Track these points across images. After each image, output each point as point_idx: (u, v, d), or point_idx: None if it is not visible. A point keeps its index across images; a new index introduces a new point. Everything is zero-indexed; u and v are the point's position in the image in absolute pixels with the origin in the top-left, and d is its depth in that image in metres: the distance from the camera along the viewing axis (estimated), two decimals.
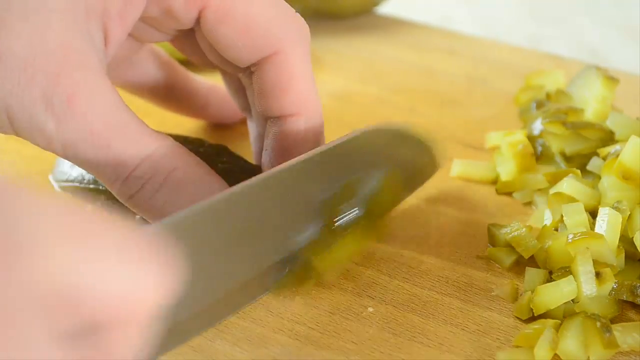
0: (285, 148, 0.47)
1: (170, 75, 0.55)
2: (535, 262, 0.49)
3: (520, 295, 0.47)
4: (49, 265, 0.24)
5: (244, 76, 0.50)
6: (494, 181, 0.57)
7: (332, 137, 0.48)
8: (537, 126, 0.57)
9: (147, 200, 0.43)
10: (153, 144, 0.43)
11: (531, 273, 0.48)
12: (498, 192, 0.56)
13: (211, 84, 0.58)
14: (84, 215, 0.26)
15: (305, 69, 0.47)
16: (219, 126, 0.61)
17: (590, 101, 0.58)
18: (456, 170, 0.57)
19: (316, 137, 0.48)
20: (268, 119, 0.48)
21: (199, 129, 0.61)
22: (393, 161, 0.52)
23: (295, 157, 0.45)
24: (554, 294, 0.45)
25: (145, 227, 0.27)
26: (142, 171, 0.43)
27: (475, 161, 0.58)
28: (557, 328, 0.44)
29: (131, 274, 0.26)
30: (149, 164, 0.43)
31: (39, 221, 0.25)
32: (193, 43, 0.49)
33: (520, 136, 0.55)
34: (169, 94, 0.56)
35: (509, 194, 0.56)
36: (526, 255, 0.49)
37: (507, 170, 0.56)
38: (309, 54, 0.47)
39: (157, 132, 0.44)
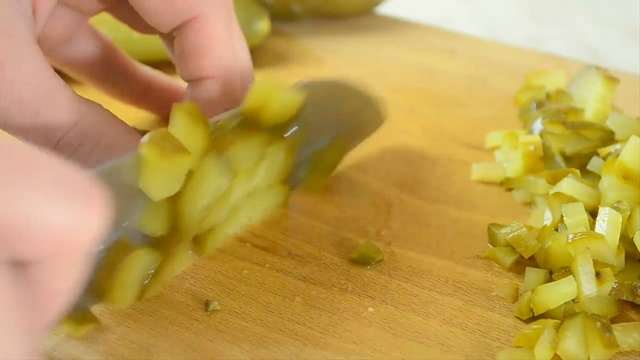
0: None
1: (110, 57, 0.55)
2: (536, 262, 0.49)
3: (521, 295, 0.47)
4: None
5: (170, 42, 0.51)
6: (502, 182, 0.57)
7: None
8: (537, 126, 0.57)
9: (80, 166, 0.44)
10: (82, 110, 0.44)
11: (531, 273, 0.48)
12: (503, 187, 0.56)
13: (155, 74, 0.57)
14: (20, 151, 0.27)
15: (226, 32, 0.47)
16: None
17: (591, 101, 0.58)
18: (476, 175, 0.57)
19: (233, 100, 0.48)
20: (190, 82, 0.48)
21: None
22: (341, 117, 0.53)
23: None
24: (554, 294, 0.45)
25: (78, 170, 0.28)
26: (72, 138, 0.43)
27: (492, 164, 0.58)
28: (557, 328, 0.44)
29: (66, 210, 0.27)
30: (79, 131, 0.43)
31: None
32: (131, 12, 0.49)
33: (535, 138, 0.55)
34: (107, 76, 0.56)
35: (510, 193, 0.56)
36: (526, 255, 0.49)
37: (514, 167, 0.56)
38: (231, 17, 0.48)
39: (86, 99, 0.45)
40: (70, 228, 0.27)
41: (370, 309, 0.46)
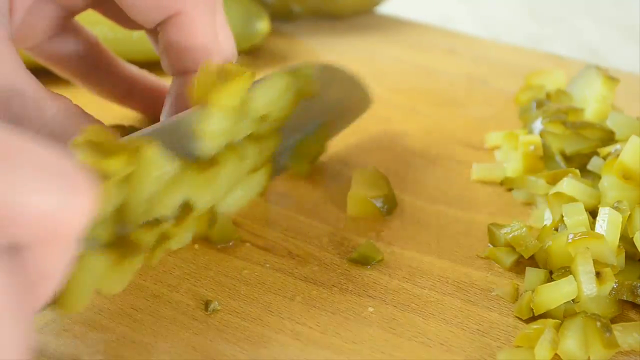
0: (182, 105, 0.48)
1: (95, 55, 0.55)
2: (536, 262, 0.49)
3: (521, 295, 0.47)
4: None
5: (155, 37, 0.51)
6: (502, 182, 0.57)
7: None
8: (537, 126, 0.57)
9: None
10: (53, 107, 0.44)
11: (531, 273, 0.48)
12: (503, 187, 0.56)
13: (141, 72, 0.57)
14: (9, 138, 0.27)
15: (209, 26, 0.47)
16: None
17: (591, 101, 0.58)
18: (476, 175, 0.57)
19: None
20: (174, 76, 0.49)
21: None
22: (328, 102, 0.53)
23: None
24: (554, 294, 0.45)
25: (67, 156, 0.29)
26: (44, 134, 0.43)
27: (492, 164, 0.58)
28: (558, 328, 0.44)
29: (54, 195, 0.28)
30: (50, 128, 0.44)
31: None
32: (116, 8, 0.50)
33: (535, 138, 0.55)
34: (92, 74, 0.56)
35: (510, 193, 0.56)
36: (526, 255, 0.49)
37: (514, 167, 0.56)
38: (214, 10, 0.48)
39: (57, 94, 0.45)
40: (59, 213, 0.28)
41: (371, 309, 0.46)
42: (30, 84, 0.43)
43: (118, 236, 0.40)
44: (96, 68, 0.55)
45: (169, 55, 0.48)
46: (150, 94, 0.57)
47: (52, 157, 0.28)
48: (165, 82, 0.55)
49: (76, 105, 0.45)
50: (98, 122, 0.46)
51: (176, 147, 0.42)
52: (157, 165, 0.40)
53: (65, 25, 0.53)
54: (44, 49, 0.53)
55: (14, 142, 0.28)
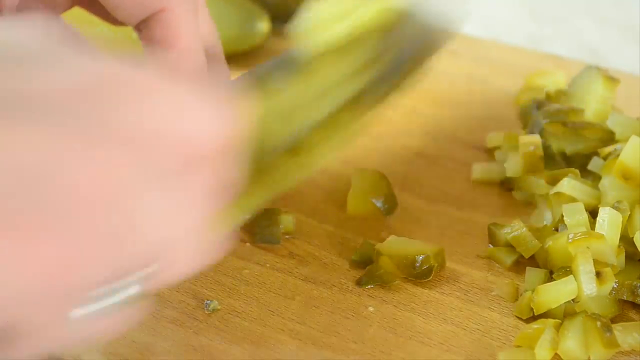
0: None
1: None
2: (536, 261, 0.49)
3: (521, 295, 0.47)
4: (145, 112, 0.30)
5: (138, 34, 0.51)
6: (502, 182, 0.57)
7: None
8: (537, 126, 0.57)
9: None
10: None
11: (532, 273, 0.48)
12: (503, 187, 0.56)
13: None
14: (151, 72, 0.31)
15: (192, 23, 0.48)
16: None
17: (591, 101, 0.58)
18: (476, 175, 0.57)
19: None
20: None
21: None
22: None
23: None
24: (555, 294, 0.45)
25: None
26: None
27: (492, 164, 0.58)
28: (558, 328, 0.44)
29: (216, 114, 0.31)
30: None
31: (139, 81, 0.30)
32: (98, 5, 0.50)
33: (535, 138, 0.55)
34: None
35: (510, 193, 0.56)
36: (527, 255, 0.49)
37: (514, 167, 0.56)
38: (196, 7, 0.48)
39: None
40: (204, 136, 0.31)
41: (371, 309, 0.46)
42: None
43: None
44: None
45: (153, 53, 0.48)
46: None
47: (192, 91, 0.32)
48: None
49: None
50: None
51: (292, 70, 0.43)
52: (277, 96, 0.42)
53: None
54: None
55: (154, 74, 0.31)
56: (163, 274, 0.32)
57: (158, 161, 0.30)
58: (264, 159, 0.41)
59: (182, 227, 0.31)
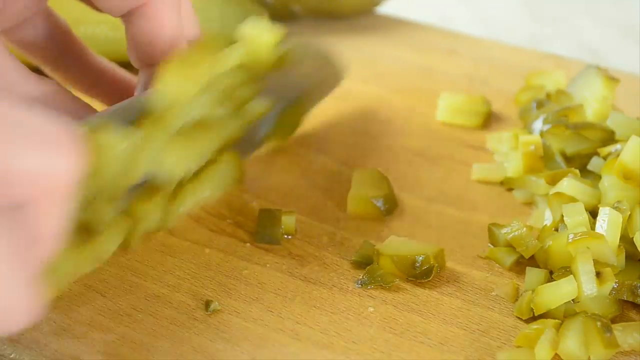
0: None
1: (65, 42, 0.55)
2: (536, 262, 0.49)
3: (521, 295, 0.47)
4: None
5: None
6: (502, 182, 0.57)
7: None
8: (537, 126, 0.57)
9: None
10: (38, 88, 0.45)
11: (532, 273, 0.48)
12: (503, 187, 0.56)
13: (110, 64, 0.57)
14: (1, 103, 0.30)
15: (175, 17, 0.48)
16: None
17: (591, 101, 0.58)
18: (476, 175, 0.57)
19: None
20: (141, 68, 0.49)
21: None
22: (301, 77, 0.53)
23: None
24: (555, 294, 0.45)
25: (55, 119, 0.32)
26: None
27: (492, 164, 0.58)
28: (558, 328, 0.44)
29: (48, 154, 0.30)
30: (39, 106, 0.44)
31: None
32: None
33: (535, 138, 0.55)
34: (61, 60, 0.55)
35: (510, 193, 0.56)
36: (527, 255, 0.49)
37: (514, 167, 0.56)
38: (179, 4, 0.48)
39: (44, 77, 0.46)
40: (50, 171, 0.30)
41: (371, 309, 0.46)
42: (15, 66, 0.44)
43: (83, 221, 0.40)
44: (65, 55, 0.55)
45: (136, 47, 0.48)
46: (119, 87, 0.57)
47: (40, 122, 0.31)
48: (134, 77, 0.55)
49: (63, 88, 0.46)
50: (87, 105, 0.47)
51: (133, 118, 0.42)
52: (112, 145, 0.40)
53: (38, 9, 0.53)
54: (14, 33, 0.53)
55: (4, 109, 0.30)
56: None
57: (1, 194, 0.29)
58: (94, 212, 0.40)
59: (9, 273, 0.30)
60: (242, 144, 0.50)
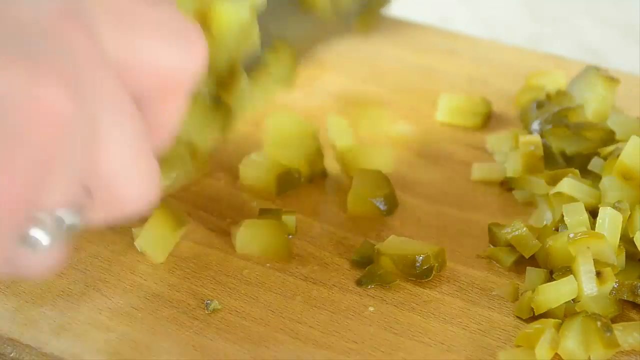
0: None
1: None
2: (536, 261, 0.49)
3: (521, 294, 0.47)
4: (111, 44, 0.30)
5: None
6: (502, 182, 0.57)
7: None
8: (537, 126, 0.57)
9: None
10: None
11: (532, 273, 0.48)
12: (503, 187, 0.56)
13: None
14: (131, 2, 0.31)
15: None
16: None
17: (591, 101, 0.58)
18: (476, 175, 0.57)
19: None
20: None
21: None
22: None
23: None
24: (555, 294, 0.45)
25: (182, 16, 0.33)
26: None
27: (492, 164, 0.58)
28: (558, 327, 0.44)
29: (172, 51, 0.31)
30: None
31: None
32: None
33: (535, 138, 0.55)
34: None
35: (510, 193, 0.56)
36: (527, 255, 0.49)
37: (514, 167, 0.56)
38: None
39: None
40: (178, 65, 0.32)
41: (371, 309, 0.46)
42: None
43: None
44: None
45: None
46: None
47: (167, 16, 0.32)
48: None
49: None
50: None
51: None
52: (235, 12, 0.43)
53: None
54: None
55: (133, 5, 0.31)
56: (107, 207, 0.31)
57: (131, 85, 0.30)
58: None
59: (135, 157, 0.31)
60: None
